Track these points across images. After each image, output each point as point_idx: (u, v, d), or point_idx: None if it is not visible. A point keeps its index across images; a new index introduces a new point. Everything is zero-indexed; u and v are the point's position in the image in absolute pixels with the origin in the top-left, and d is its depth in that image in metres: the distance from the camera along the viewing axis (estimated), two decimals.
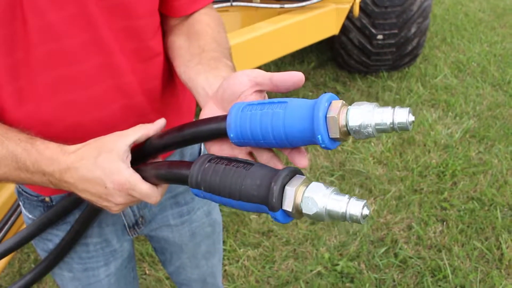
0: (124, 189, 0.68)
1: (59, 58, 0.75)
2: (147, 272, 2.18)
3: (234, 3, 2.64)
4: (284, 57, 3.49)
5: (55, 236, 0.98)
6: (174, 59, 0.88)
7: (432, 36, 4.08)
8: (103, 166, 0.67)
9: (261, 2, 2.66)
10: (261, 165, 0.61)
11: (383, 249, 2.17)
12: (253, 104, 0.62)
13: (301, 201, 0.56)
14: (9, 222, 1.51)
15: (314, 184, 0.56)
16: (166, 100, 0.93)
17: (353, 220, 0.53)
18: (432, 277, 2.04)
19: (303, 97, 2.85)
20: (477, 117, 3.05)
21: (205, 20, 0.90)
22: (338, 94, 3.39)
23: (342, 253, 2.18)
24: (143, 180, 0.69)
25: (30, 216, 0.98)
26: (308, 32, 2.69)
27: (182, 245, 1.14)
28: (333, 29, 2.76)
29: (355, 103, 0.56)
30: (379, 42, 3.17)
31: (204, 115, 0.71)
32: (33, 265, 2.26)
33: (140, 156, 0.74)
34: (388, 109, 0.53)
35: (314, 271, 2.10)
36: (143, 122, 0.74)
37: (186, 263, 1.19)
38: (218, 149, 0.69)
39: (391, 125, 0.53)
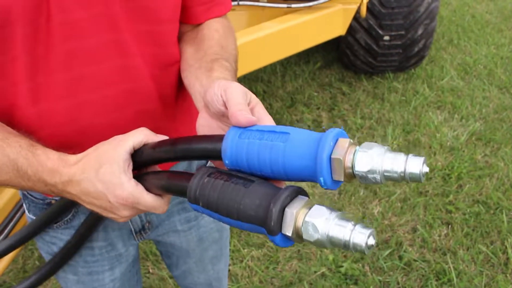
0: (128, 203, 0.66)
1: (78, 57, 0.74)
2: (150, 270, 2.17)
3: (240, 2, 2.63)
4: (290, 56, 3.47)
5: (60, 240, 0.97)
6: (181, 65, 0.88)
7: (438, 37, 4.06)
8: (104, 179, 0.65)
9: (267, 2, 2.65)
10: (262, 183, 0.57)
11: (387, 252, 2.16)
12: (251, 131, 0.58)
13: (302, 225, 0.51)
14: (12, 222, 1.50)
15: (316, 208, 0.52)
16: (179, 107, 0.92)
17: (357, 249, 0.49)
18: (436, 280, 2.03)
19: (308, 97, 2.81)
20: (483, 120, 3.03)
21: (214, 26, 0.90)
22: (343, 94, 3.38)
23: (346, 254, 2.17)
24: (147, 192, 0.66)
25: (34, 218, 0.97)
26: (315, 32, 2.68)
27: (189, 250, 1.13)
28: (340, 30, 2.75)
29: (364, 144, 0.51)
30: (386, 43, 3.16)
31: (198, 124, 0.69)
32: (37, 262, 2.26)
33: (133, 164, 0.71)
34: (401, 156, 0.49)
35: (318, 273, 2.09)
36: (156, 128, 0.72)
37: (192, 268, 1.18)
38: None
39: (402, 175, 0.49)
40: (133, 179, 0.66)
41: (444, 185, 2.52)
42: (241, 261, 2.18)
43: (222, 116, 0.66)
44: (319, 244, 0.51)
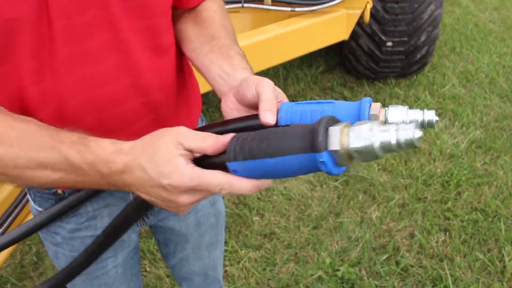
0: (188, 188, 0.63)
1: (81, 58, 0.76)
2: (147, 269, 2.18)
3: (245, 5, 2.64)
4: (293, 60, 3.49)
5: (63, 229, 0.98)
6: (183, 45, 0.91)
7: (441, 45, 4.08)
8: (159, 167, 0.62)
9: (272, 5, 2.67)
10: (298, 124, 0.63)
11: (384, 257, 2.17)
12: (301, 103, 0.72)
13: (348, 137, 0.55)
14: (13, 215, 1.50)
15: (358, 122, 0.57)
16: (179, 95, 0.95)
17: (409, 145, 0.54)
18: (433, 286, 2.04)
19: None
20: (483, 128, 3.04)
21: (212, 7, 0.93)
22: (345, 99, 3.39)
23: (343, 258, 2.18)
24: (206, 170, 0.63)
25: (40, 209, 0.97)
26: (318, 36, 2.69)
27: (187, 235, 1.15)
28: (343, 34, 2.76)
29: (391, 105, 0.69)
30: (388, 49, 3.17)
31: (227, 107, 0.78)
32: (34, 258, 2.27)
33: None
34: (418, 110, 0.67)
35: (315, 276, 2.09)
36: (159, 117, 0.76)
37: (189, 255, 1.20)
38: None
39: (422, 121, 0.67)
40: (190, 164, 0.64)
41: (443, 192, 2.53)
42: (238, 262, 2.19)
43: (254, 107, 0.74)
44: (368, 153, 0.55)
